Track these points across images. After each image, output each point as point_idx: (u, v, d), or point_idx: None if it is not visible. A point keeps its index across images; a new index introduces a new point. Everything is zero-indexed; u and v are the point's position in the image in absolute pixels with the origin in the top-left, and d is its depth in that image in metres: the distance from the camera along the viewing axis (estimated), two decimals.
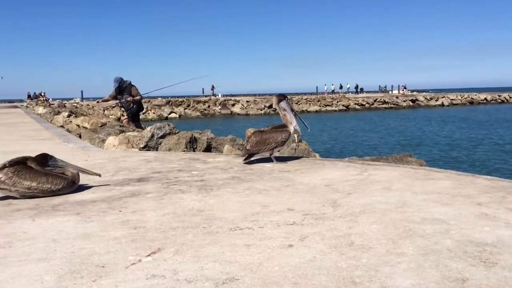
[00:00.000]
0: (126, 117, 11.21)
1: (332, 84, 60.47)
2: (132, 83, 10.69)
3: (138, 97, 10.67)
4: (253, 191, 3.51)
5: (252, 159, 4.86)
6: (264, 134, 4.77)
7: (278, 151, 5.03)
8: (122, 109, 10.94)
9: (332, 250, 2.17)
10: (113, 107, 10.67)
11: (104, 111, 37.05)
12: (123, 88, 10.62)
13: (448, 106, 55.76)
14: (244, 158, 4.83)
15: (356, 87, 60.43)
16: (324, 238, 2.34)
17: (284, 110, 4.89)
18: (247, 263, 2.03)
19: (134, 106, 10.65)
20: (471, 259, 2.01)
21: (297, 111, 5.04)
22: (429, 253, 2.10)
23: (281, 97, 5.01)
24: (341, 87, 60.10)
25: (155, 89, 13.17)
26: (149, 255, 2.16)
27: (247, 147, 4.81)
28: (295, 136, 4.97)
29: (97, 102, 11.30)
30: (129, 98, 10.41)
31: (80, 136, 9.92)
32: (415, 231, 2.42)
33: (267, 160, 4.87)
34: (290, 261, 2.04)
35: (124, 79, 10.64)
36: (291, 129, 4.81)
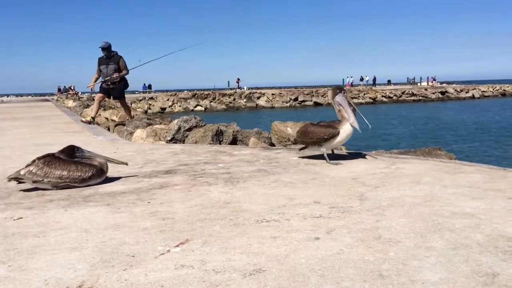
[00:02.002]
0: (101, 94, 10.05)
1: (351, 76, 59.79)
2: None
3: (124, 72, 9.69)
4: (279, 183, 3.52)
5: (307, 154, 4.66)
6: (310, 127, 4.47)
7: (325, 148, 4.41)
8: (106, 83, 9.72)
9: (359, 243, 2.16)
10: (106, 85, 9.43)
11: (131, 104, 37.64)
12: (110, 57, 9.62)
13: (479, 98, 54.39)
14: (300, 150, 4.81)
15: (374, 79, 59.62)
16: (351, 231, 2.33)
17: (339, 105, 4.33)
18: (274, 255, 2.04)
19: (122, 82, 9.76)
20: (502, 254, 1.97)
21: (355, 106, 4.46)
22: (459, 247, 2.07)
23: (337, 90, 4.45)
24: (361, 79, 59.44)
25: (141, 63, 11.76)
26: (177, 245, 2.20)
27: (295, 137, 4.89)
28: (343, 135, 4.28)
29: (90, 86, 10.28)
30: (116, 75, 9.52)
31: (108, 129, 10.11)
32: (444, 225, 2.39)
33: (320, 157, 4.52)
34: (317, 254, 2.04)
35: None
36: (345, 127, 4.26)
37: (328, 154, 4.41)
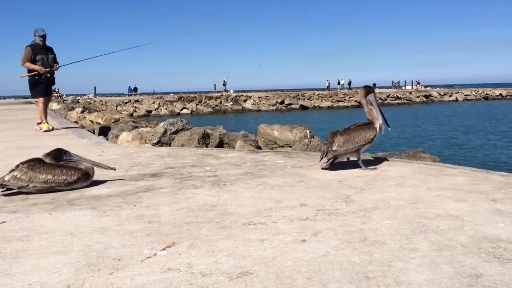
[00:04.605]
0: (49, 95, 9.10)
1: (327, 80, 60.27)
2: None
3: (58, 66, 8.86)
4: (266, 186, 3.52)
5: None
6: (352, 132, 4.16)
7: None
8: (45, 76, 8.63)
9: (345, 245, 2.18)
10: (38, 75, 8.43)
11: (116, 107, 37.40)
12: (47, 46, 8.70)
13: (462, 101, 55.24)
14: (329, 162, 4.11)
15: (349, 83, 60.09)
16: (337, 234, 2.35)
17: (371, 104, 4.28)
18: (261, 258, 2.05)
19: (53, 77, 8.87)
20: (485, 255, 2.00)
21: (381, 107, 4.38)
22: (443, 248, 2.10)
23: (369, 89, 4.36)
24: (338, 83, 59.96)
25: (78, 60, 10.44)
26: (164, 249, 2.19)
27: (333, 148, 4.07)
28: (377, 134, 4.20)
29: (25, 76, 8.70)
30: (56, 67, 8.72)
31: (93, 132, 10.02)
32: (429, 227, 2.42)
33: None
34: (303, 256, 2.05)
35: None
36: (377, 126, 4.24)
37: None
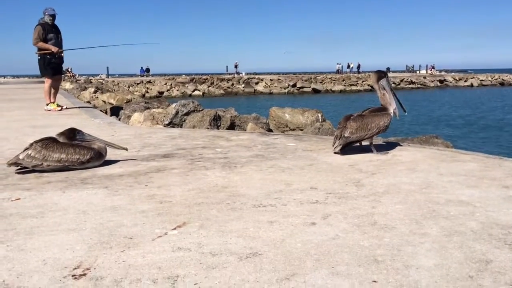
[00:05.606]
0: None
1: (338, 63, 59.48)
2: None
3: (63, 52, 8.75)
4: (277, 169, 3.53)
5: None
6: (365, 119, 4.07)
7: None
8: (58, 57, 8.70)
9: (355, 228, 2.18)
10: (50, 55, 8.41)
11: (128, 87, 37.51)
12: (55, 26, 8.57)
13: (477, 87, 54.39)
14: (340, 147, 4.05)
15: (358, 66, 59.27)
16: (347, 217, 2.35)
17: (384, 89, 4.23)
18: (270, 239, 2.06)
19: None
20: (496, 241, 2.00)
21: (395, 91, 4.33)
22: (453, 234, 2.09)
23: (382, 73, 4.31)
24: (348, 66, 59.29)
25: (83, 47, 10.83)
26: (174, 228, 2.22)
27: (346, 135, 4.01)
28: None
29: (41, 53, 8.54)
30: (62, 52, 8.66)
31: (106, 112, 10.07)
32: (439, 212, 2.41)
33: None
34: (312, 239, 2.06)
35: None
36: (391, 111, 4.20)
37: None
